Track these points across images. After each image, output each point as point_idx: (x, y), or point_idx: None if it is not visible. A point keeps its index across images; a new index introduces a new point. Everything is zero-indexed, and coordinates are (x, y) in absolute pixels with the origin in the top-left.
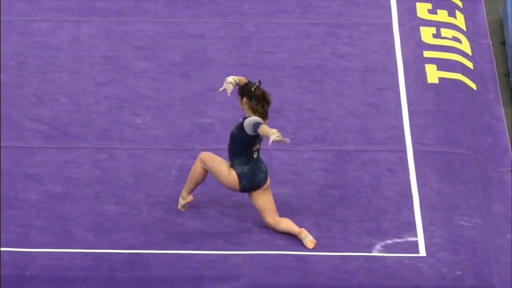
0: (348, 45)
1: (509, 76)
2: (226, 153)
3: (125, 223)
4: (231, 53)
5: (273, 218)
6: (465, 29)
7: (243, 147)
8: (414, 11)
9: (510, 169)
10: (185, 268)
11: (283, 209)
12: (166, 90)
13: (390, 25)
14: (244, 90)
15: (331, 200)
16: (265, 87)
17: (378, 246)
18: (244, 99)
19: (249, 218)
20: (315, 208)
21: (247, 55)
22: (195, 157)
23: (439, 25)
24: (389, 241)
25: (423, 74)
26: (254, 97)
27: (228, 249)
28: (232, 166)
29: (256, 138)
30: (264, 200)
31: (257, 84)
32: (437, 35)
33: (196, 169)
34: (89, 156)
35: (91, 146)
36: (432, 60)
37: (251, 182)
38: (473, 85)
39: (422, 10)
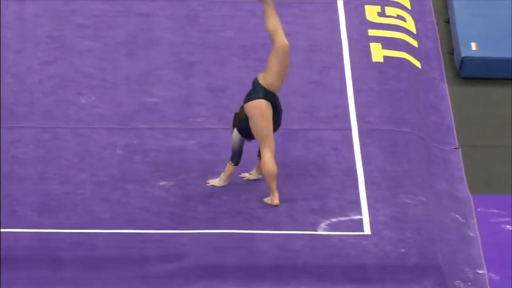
0: (293, 24)
1: (453, 55)
2: (172, 132)
3: (69, 203)
4: (177, 31)
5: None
6: (409, 8)
7: None
8: None
9: (454, 147)
10: (130, 248)
11: (229, 188)
12: (111, 69)
13: (335, 3)
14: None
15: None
16: (210, 66)
17: (323, 225)
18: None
19: (194, 197)
20: (261, 187)
21: (193, 34)
22: (140, 137)
23: (384, 3)
24: (334, 220)
25: (368, 53)
26: None
27: (173, 228)
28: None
29: None
30: None
31: None
32: (381, 14)
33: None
34: (34, 136)
35: (36, 126)
36: (377, 39)
37: None
38: (417, 64)
39: None
